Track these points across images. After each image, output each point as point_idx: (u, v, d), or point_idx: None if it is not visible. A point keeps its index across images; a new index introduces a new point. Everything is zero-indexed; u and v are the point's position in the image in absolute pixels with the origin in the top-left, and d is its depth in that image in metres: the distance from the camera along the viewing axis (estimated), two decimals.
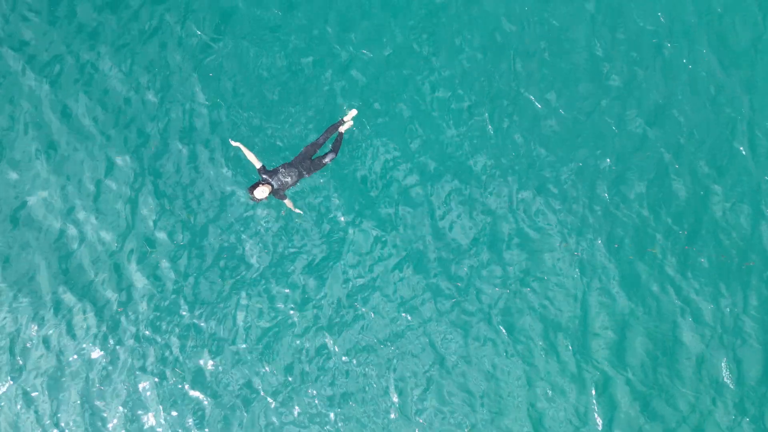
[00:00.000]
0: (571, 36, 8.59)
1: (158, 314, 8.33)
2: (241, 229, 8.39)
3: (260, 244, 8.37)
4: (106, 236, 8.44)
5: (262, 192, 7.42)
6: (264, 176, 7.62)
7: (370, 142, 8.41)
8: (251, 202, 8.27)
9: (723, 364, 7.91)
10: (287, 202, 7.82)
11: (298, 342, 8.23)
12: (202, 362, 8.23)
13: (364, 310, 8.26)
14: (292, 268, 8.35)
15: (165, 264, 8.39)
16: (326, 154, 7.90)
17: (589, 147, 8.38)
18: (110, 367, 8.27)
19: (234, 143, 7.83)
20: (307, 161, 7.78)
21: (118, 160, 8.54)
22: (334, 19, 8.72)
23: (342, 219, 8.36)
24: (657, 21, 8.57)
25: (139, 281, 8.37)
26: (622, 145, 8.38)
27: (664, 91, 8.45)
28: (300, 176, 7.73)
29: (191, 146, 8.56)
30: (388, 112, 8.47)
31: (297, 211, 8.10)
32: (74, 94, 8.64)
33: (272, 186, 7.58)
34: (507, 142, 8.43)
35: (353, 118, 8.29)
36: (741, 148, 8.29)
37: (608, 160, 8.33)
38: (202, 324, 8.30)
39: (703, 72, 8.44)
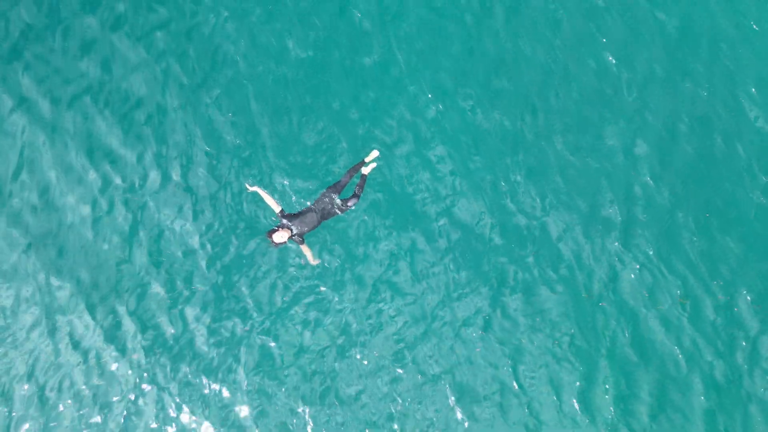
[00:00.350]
0: (583, 82, 8.45)
1: (160, 363, 7.92)
2: (246, 276, 8.01)
3: (262, 293, 7.99)
4: (104, 282, 8.05)
5: (281, 237, 7.15)
6: (284, 221, 7.32)
7: (381, 188, 8.12)
8: (270, 248, 7.89)
9: (737, 421, 7.75)
10: (305, 248, 7.50)
11: (296, 398, 7.82)
12: (196, 418, 7.80)
13: (367, 362, 7.90)
14: (295, 318, 7.96)
15: (169, 311, 8.00)
16: (349, 197, 7.61)
17: (608, 194, 8.21)
18: (107, 414, 7.85)
19: (251, 188, 7.53)
20: (328, 205, 7.49)
21: (118, 202, 8.17)
22: (345, 58, 8.50)
23: (349, 266, 8.00)
24: (673, 64, 8.53)
25: (145, 327, 7.97)
26: (643, 193, 8.21)
27: (682, 138, 8.34)
28: (321, 220, 7.44)
29: (201, 187, 8.21)
30: (395, 159, 8.20)
31: (315, 262, 7.72)
32: (71, 135, 8.30)
33: (292, 230, 7.28)
34: (520, 189, 8.19)
35: (376, 159, 8.02)
36: (762, 198, 8.22)
37: (630, 208, 8.16)
38: (202, 378, 7.89)
39: (722, 111, 8.40)
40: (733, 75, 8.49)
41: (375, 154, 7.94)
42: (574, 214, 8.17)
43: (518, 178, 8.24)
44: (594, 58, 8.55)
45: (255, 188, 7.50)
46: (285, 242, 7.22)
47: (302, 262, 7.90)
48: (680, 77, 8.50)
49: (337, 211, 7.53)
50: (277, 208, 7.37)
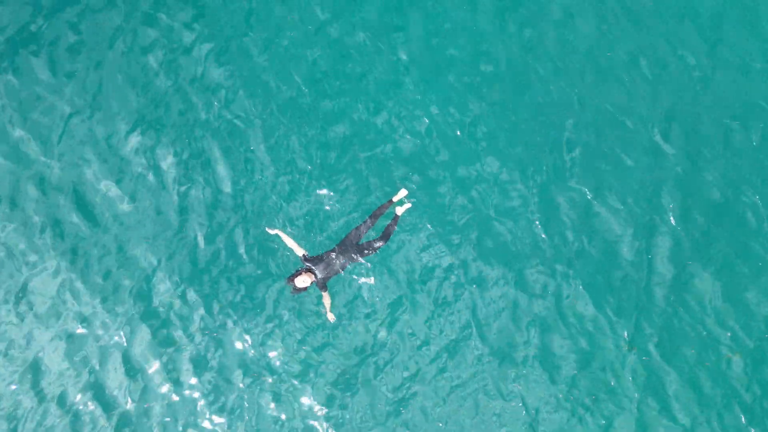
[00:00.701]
0: (604, 120, 8.00)
1: (150, 416, 7.30)
2: (248, 323, 7.42)
3: (266, 343, 7.40)
4: (97, 325, 7.41)
5: (303, 281, 6.61)
6: (307, 264, 6.75)
7: (411, 230, 7.55)
8: (291, 294, 7.26)
9: None
10: (326, 297, 6.94)
11: None
12: None
13: (370, 421, 7.29)
14: (299, 372, 7.37)
15: (164, 360, 7.40)
16: (376, 239, 7.05)
17: (636, 243, 7.69)
18: None
19: (272, 231, 7.03)
20: (353, 247, 6.94)
21: (111, 242, 7.57)
22: (372, 95, 8.00)
23: (356, 317, 7.41)
24: (699, 102, 8.23)
25: (137, 377, 7.35)
26: (684, 240, 7.73)
27: (728, 183, 7.96)
28: (347, 263, 6.91)
29: (202, 225, 7.61)
30: (431, 202, 7.64)
31: (330, 316, 7.13)
32: (58, 170, 7.72)
33: (315, 275, 6.70)
34: (555, 238, 7.66)
35: (407, 198, 7.45)
36: None
37: (667, 257, 7.67)
38: None
39: (753, 152, 8.10)
40: (765, 114, 8.23)
41: (403, 192, 7.37)
42: (598, 263, 7.61)
43: (536, 223, 7.71)
44: (614, 97, 8.10)
45: (276, 231, 7.01)
46: (307, 288, 6.65)
47: (323, 311, 7.27)
48: (708, 117, 8.19)
49: (363, 254, 6.99)
50: (300, 252, 6.84)
